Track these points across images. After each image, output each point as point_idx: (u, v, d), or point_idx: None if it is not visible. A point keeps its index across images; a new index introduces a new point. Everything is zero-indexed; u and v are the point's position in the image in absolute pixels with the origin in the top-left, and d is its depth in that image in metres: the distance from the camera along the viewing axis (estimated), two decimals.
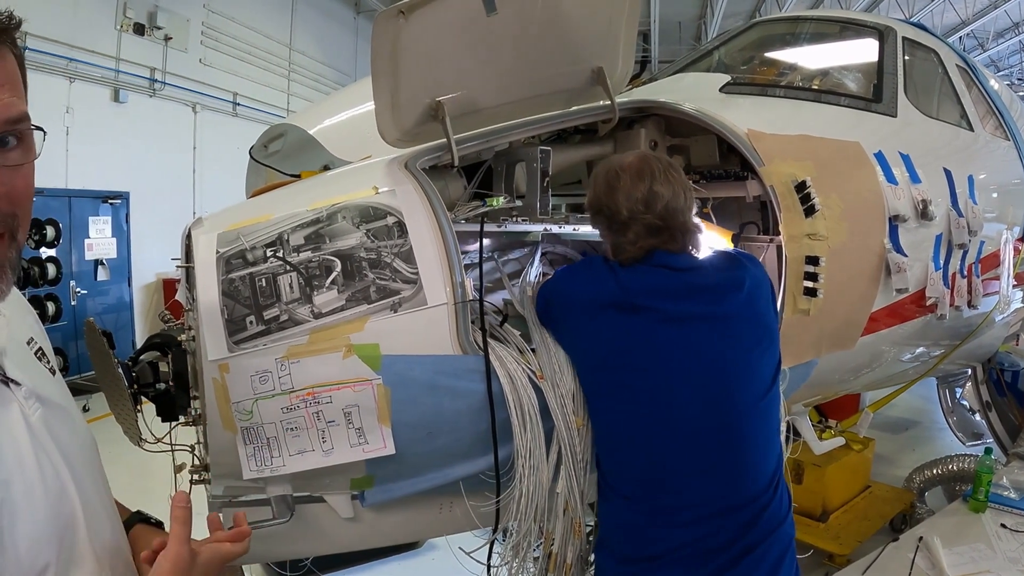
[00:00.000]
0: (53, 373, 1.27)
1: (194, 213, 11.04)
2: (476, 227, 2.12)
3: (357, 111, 3.02)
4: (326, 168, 2.98)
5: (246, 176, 3.55)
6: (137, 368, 2.07)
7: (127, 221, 10.07)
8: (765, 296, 2.05)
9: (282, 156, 3.34)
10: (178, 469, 2.30)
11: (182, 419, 2.17)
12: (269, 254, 1.85)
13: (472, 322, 1.91)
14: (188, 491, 2.17)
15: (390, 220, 1.90)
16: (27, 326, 1.27)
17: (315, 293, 1.82)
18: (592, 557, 2.15)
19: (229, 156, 10.94)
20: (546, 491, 1.95)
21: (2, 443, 1.01)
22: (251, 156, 3.42)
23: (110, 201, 9.74)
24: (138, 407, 2.06)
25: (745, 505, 1.92)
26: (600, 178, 2.04)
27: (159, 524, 1.49)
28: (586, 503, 2.07)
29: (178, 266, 2.08)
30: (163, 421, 2.15)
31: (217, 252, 1.88)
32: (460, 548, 2.28)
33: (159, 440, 2.15)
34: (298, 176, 2.85)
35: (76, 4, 8.98)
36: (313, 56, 14.95)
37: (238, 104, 12.44)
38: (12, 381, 1.09)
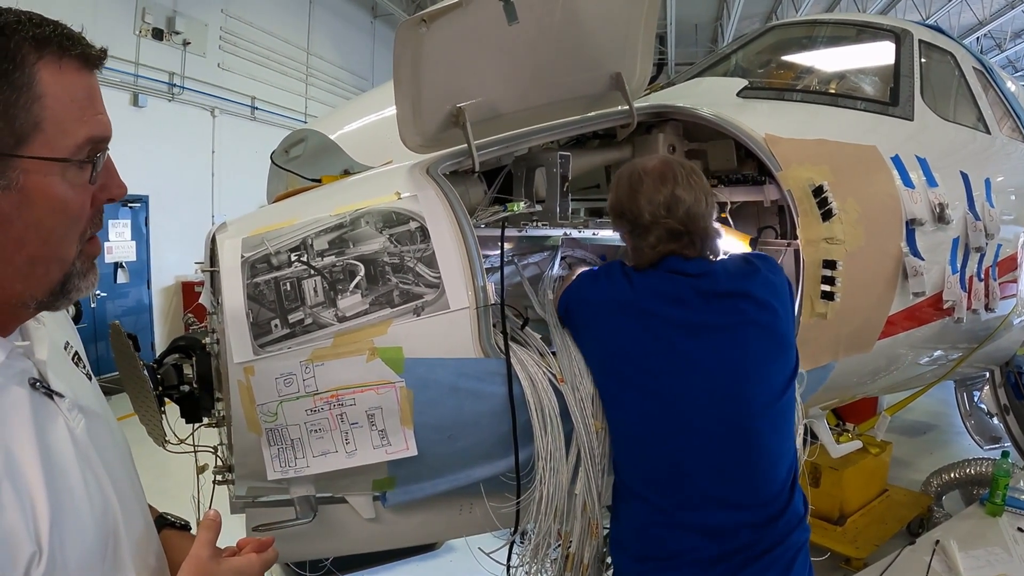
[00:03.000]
0: (89, 379, 1.27)
1: (213, 216, 11.15)
2: (497, 232, 2.14)
3: (378, 116, 3.05)
4: (346, 172, 3.01)
5: (267, 181, 3.59)
6: (162, 370, 2.11)
7: (146, 224, 10.19)
8: (781, 300, 2.05)
9: (303, 161, 3.38)
10: (200, 470, 2.34)
11: (206, 420, 2.22)
12: (293, 258, 1.88)
13: (493, 325, 1.94)
14: (212, 491, 2.22)
15: (412, 225, 1.93)
16: (62, 329, 1.26)
17: (339, 297, 1.85)
18: (608, 559, 2.17)
19: (247, 160, 11.04)
20: (565, 492, 1.98)
21: (52, 462, 1.00)
22: (272, 161, 3.46)
23: (129, 204, 9.86)
24: (162, 408, 2.10)
25: (759, 507, 1.94)
26: (623, 181, 2.06)
27: (185, 526, 1.49)
28: (603, 505, 2.09)
29: (203, 270, 2.12)
30: (187, 423, 2.19)
31: (242, 256, 1.91)
32: (480, 549, 2.31)
33: (182, 441, 2.19)
34: (319, 181, 2.88)
35: (95, 9, 9.08)
36: (331, 60, 15.04)
37: (256, 108, 12.53)
38: (56, 393, 1.08)
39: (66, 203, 0.99)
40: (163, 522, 1.44)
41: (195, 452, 2.27)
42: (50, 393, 1.07)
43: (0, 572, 0.88)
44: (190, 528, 1.49)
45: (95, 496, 1.06)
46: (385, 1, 15.68)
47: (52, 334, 1.17)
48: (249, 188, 11.42)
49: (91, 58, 1.01)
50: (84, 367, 1.27)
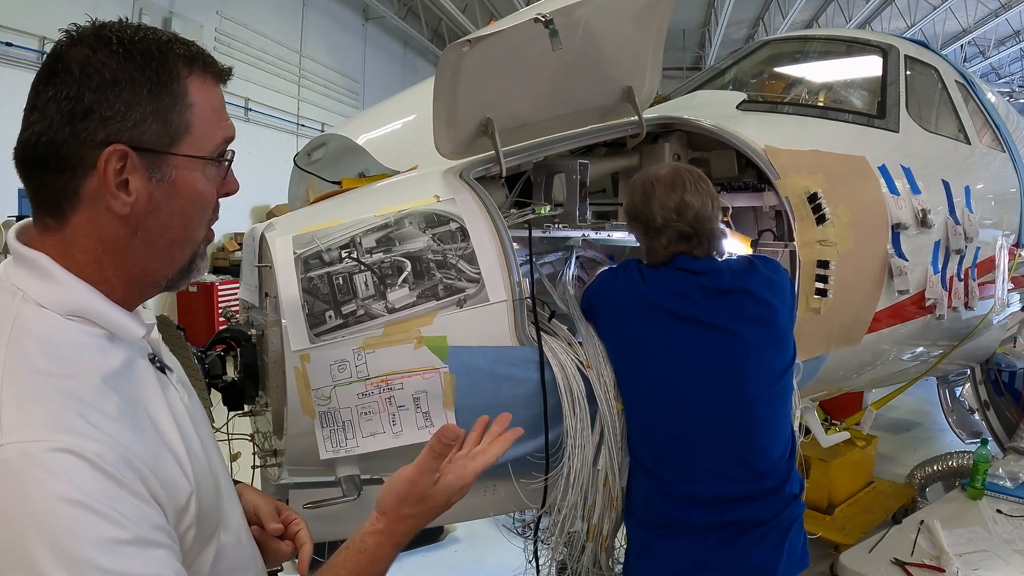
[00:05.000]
0: None
1: None
2: (521, 232, 2.34)
3: (398, 124, 3.21)
4: (362, 175, 3.17)
5: (289, 183, 3.75)
6: (209, 360, 2.28)
7: None
8: (779, 296, 2.25)
9: (323, 164, 3.54)
10: (234, 457, 2.51)
11: (247, 408, 2.39)
12: (344, 255, 2.07)
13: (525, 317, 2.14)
14: (251, 477, 2.39)
15: (453, 226, 2.13)
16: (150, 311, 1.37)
17: (388, 290, 2.04)
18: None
19: (241, 160, 11.03)
20: (591, 467, 2.18)
21: (181, 423, 1.12)
22: (295, 164, 3.62)
23: None
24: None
25: (755, 481, 2.15)
26: (637, 188, 2.27)
27: None
28: (623, 480, 2.29)
29: (256, 265, 2.29)
30: (229, 410, 2.36)
31: (295, 253, 2.09)
32: (504, 525, 2.50)
33: (217, 431, 2.35)
34: (339, 183, 3.05)
35: (94, 10, 9.07)
36: (323, 62, 15.12)
37: (250, 109, 12.60)
38: (168, 368, 1.20)
39: (204, 195, 1.14)
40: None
41: (229, 440, 2.43)
42: (163, 368, 1.19)
43: (171, 509, 1.01)
44: None
45: (204, 457, 1.18)
46: (376, 4, 15.79)
47: (151, 315, 1.31)
48: (243, 188, 11.47)
49: (223, 74, 1.17)
50: (176, 350, 1.44)
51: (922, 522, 3.41)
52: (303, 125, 14.00)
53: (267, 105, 12.97)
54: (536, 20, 2.10)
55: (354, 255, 2.07)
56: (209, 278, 10.39)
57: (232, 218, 10.91)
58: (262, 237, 2.22)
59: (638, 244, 2.72)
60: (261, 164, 9.76)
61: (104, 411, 0.97)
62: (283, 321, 2.02)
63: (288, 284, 2.05)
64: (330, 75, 15.42)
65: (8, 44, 8.36)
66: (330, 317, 2.02)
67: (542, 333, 2.15)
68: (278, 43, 13.56)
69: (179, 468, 1.06)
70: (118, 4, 9.75)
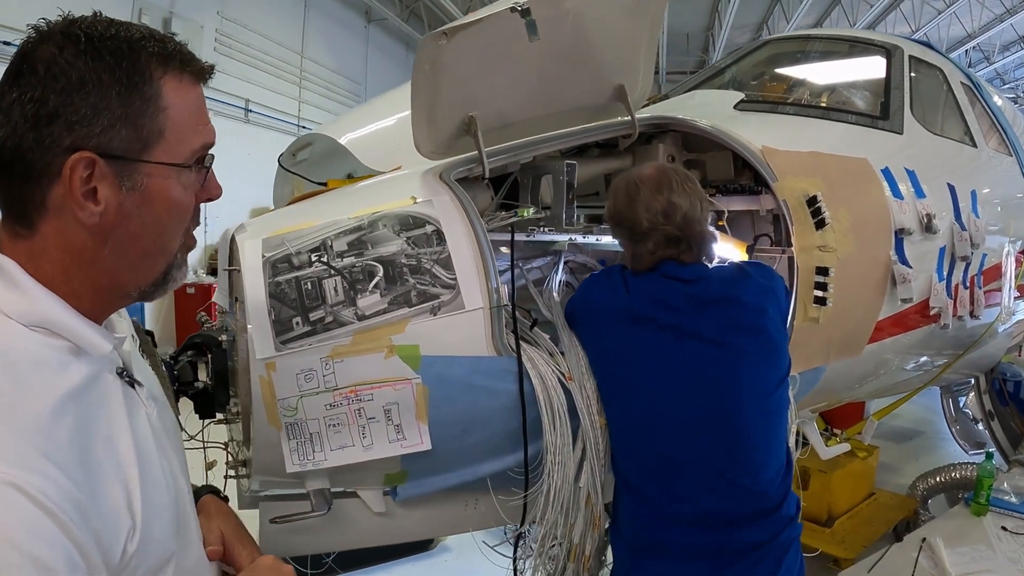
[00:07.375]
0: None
1: (205, 218, 11.13)
2: (504, 236, 2.23)
3: (385, 122, 3.13)
4: (350, 176, 3.09)
5: (274, 184, 3.67)
6: (178, 367, 2.19)
7: None
8: (774, 304, 2.13)
9: (309, 165, 3.46)
10: (209, 466, 2.41)
11: (219, 416, 2.29)
12: (314, 259, 1.96)
13: (504, 325, 2.03)
14: (223, 487, 2.29)
15: (429, 228, 2.02)
16: (127, 321, 1.31)
17: (359, 296, 1.93)
18: (609, 549, 2.27)
19: (241, 162, 11.06)
20: (571, 485, 2.07)
21: (140, 445, 1.07)
22: (280, 164, 3.53)
23: None
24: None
25: (748, 501, 2.02)
26: (620, 190, 2.15)
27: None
28: (606, 499, 2.18)
29: (224, 269, 2.19)
30: (201, 418, 2.27)
31: (263, 256, 1.98)
32: (484, 542, 2.40)
33: (192, 438, 2.26)
34: (325, 184, 2.96)
35: (92, 10, 9.10)
36: (324, 64, 15.09)
37: (250, 111, 12.56)
38: (137, 383, 1.15)
39: (179, 203, 1.09)
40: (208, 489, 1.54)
41: (204, 448, 2.34)
42: (132, 383, 1.14)
43: (108, 544, 0.95)
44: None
45: (168, 479, 1.14)
46: (378, 6, 15.76)
47: (128, 325, 1.25)
48: (242, 190, 11.44)
49: (203, 73, 1.10)
50: (144, 355, 1.36)
51: (924, 540, 3.29)
52: (304, 127, 13.94)
53: (268, 106, 12.94)
54: (513, 9, 1.99)
55: (324, 259, 1.96)
56: (207, 279, 10.33)
57: (231, 219, 10.85)
58: (232, 239, 2.12)
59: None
60: (261, 166, 9.69)
61: (54, 437, 0.92)
62: (248, 327, 1.92)
63: (255, 288, 1.95)
64: (332, 77, 15.39)
65: (6, 43, 8.30)
66: (297, 324, 1.91)
67: (522, 343, 2.04)
68: (279, 44, 13.54)
69: (125, 499, 1.01)
70: (117, 3, 9.71)
